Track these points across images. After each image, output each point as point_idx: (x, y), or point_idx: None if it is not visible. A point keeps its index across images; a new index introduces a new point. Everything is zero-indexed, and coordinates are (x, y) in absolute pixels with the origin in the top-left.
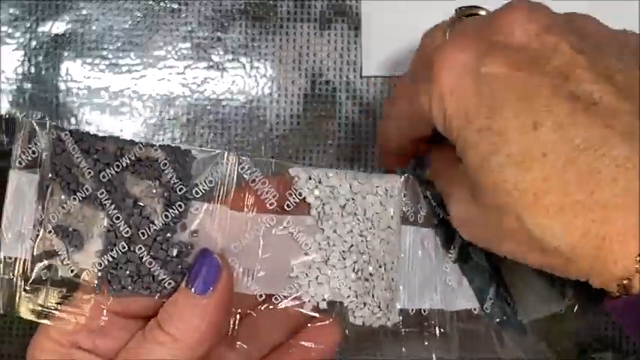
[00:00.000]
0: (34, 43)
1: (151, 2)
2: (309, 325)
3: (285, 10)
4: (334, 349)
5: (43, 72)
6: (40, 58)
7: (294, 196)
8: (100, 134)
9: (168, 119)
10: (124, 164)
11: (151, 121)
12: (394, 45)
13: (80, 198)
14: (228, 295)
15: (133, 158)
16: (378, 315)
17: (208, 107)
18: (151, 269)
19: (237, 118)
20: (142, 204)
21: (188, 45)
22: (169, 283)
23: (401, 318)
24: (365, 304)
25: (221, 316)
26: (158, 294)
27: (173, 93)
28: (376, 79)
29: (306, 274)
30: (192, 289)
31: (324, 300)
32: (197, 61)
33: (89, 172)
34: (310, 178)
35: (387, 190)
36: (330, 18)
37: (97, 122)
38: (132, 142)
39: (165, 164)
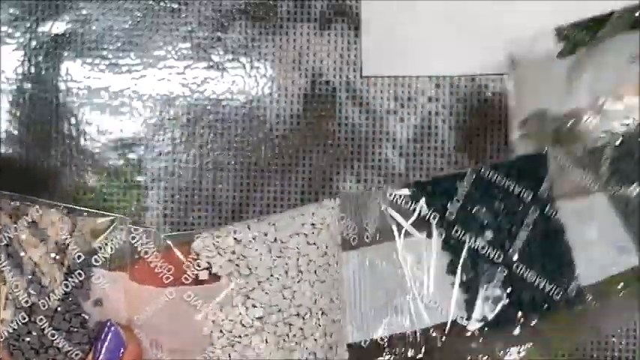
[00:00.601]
0: (34, 43)
1: (151, 2)
2: None
3: (285, 10)
4: None
5: (43, 72)
6: (40, 58)
7: (193, 268)
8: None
9: (168, 119)
10: (22, 227)
11: (150, 121)
12: (394, 45)
13: None
14: None
15: (30, 220)
16: None
17: (208, 107)
18: (55, 341)
19: (237, 118)
20: (41, 271)
21: (188, 45)
22: (76, 354)
23: (347, 355)
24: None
25: None
26: None
27: (173, 93)
28: (376, 79)
29: (221, 345)
30: None
31: None
32: (197, 61)
33: None
34: (213, 245)
35: (314, 224)
36: (330, 18)
37: (97, 122)
38: (31, 201)
39: (62, 228)
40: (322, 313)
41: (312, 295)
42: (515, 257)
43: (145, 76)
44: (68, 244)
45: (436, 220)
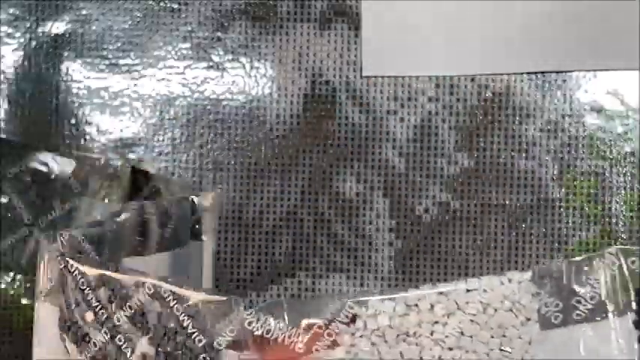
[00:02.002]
0: (34, 43)
1: (150, 2)
2: None
3: (285, 10)
4: None
5: (43, 72)
6: (40, 58)
7: (324, 338)
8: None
9: (168, 119)
10: (124, 314)
11: (151, 121)
12: (394, 45)
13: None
14: None
15: (133, 310)
16: None
17: (208, 107)
18: None
19: (237, 118)
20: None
21: (188, 45)
22: None
23: None
24: None
25: None
26: None
27: (173, 93)
28: (376, 78)
29: None
30: None
31: None
32: (197, 61)
33: (102, 313)
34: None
35: (488, 303)
36: (330, 18)
37: (97, 122)
38: (142, 276)
39: (178, 309)
40: None
41: None
42: None
43: (145, 76)
44: (187, 326)
45: None
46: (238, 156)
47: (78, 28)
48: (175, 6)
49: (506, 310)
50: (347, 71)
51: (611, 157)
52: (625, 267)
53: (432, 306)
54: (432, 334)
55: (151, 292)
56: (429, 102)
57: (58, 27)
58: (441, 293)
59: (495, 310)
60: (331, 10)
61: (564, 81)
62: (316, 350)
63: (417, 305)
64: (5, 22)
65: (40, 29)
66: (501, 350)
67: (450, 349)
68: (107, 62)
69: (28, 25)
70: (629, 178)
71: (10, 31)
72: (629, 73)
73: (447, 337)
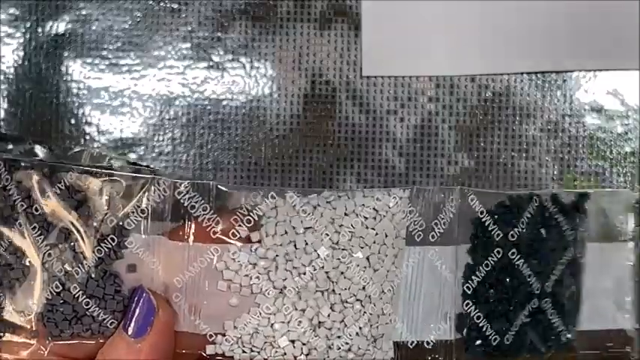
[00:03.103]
0: (34, 43)
1: (150, 2)
2: None
3: (285, 10)
4: None
5: (43, 72)
6: (40, 58)
7: (242, 224)
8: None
9: (168, 119)
10: (55, 192)
11: (151, 121)
12: (394, 45)
13: (11, 233)
14: (165, 339)
15: (63, 187)
16: (360, 353)
17: (208, 107)
18: (89, 309)
19: (237, 118)
20: (73, 237)
21: (188, 45)
22: (111, 323)
23: (391, 355)
24: (331, 347)
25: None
26: (100, 335)
27: (173, 93)
28: (376, 78)
29: (258, 313)
30: (127, 333)
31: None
32: (197, 61)
33: (21, 205)
34: (270, 201)
35: (376, 209)
36: (330, 18)
37: (96, 122)
38: (65, 167)
39: (95, 192)
40: (372, 301)
41: (359, 280)
42: (548, 290)
43: (145, 76)
44: (99, 208)
45: (499, 238)
46: (238, 156)
47: (78, 28)
48: (175, 6)
49: (389, 219)
50: (347, 71)
51: (611, 157)
52: (468, 203)
53: (335, 207)
54: (327, 226)
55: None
56: (429, 102)
57: (58, 27)
58: (341, 197)
59: (382, 217)
60: (331, 10)
61: (564, 81)
62: (233, 235)
63: (321, 205)
64: (5, 22)
65: (40, 29)
66: (378, 255)
67: (342, 247)
68: (107, 62)
69: (28, 25)
70: (629, 178)
71: (10, 31)
72: (629, 73)
73: (340, 233)
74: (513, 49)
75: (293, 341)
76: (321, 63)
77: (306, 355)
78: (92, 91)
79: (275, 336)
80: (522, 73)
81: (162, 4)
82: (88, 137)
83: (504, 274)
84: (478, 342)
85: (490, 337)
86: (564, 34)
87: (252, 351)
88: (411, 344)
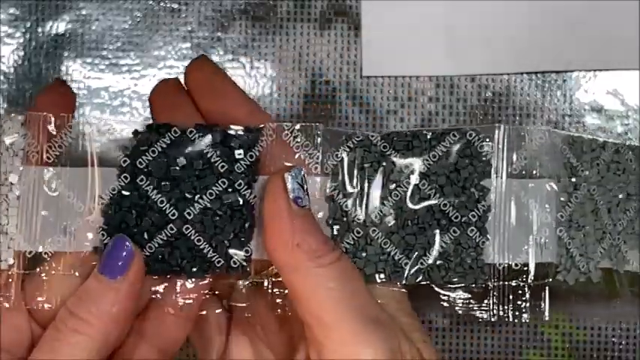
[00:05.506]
0: (34, 43)
1: (150, 2)
2: None
3: (285, 10)
4: None
5: (43, 72)
6: (40, 58)
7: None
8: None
9: None
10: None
11: (150, 121)
12: (394, 45)
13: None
14: (140, 283)
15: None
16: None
17: None
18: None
19: None
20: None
21: (188, 45)
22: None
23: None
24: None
25: (132, 302)
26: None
27: None
28: (376, 78)
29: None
30: (104, 275)
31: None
32: None
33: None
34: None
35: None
36: (330, 18)
37: (97, 122)
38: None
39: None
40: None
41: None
42: None
43: (145, 76)
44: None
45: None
46: None
47: (78, 28)
48: (175, 6)
49: None
50: (347, 71)
51: None
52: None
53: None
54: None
55: None
56: (429, 102)
57: (58, 27)
58: None
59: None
60: (331, 10)
61: (564, 81)
62: None
63: None
64: (5, 22)
65: (40, 29)
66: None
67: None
68: (107, 62)
69: (28, 25)
70: None
71: (10, 31)
72: (629, 73)
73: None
74: (513, 49)
75: None
76: (321, 63)
77: None
78: (92, 91)
79: None
80: (522, 73)
81: (162, 4)
82: (87, 137)
83: None
84: None
85: None
86: (564, 34)
87: None
88: (29, 253)
